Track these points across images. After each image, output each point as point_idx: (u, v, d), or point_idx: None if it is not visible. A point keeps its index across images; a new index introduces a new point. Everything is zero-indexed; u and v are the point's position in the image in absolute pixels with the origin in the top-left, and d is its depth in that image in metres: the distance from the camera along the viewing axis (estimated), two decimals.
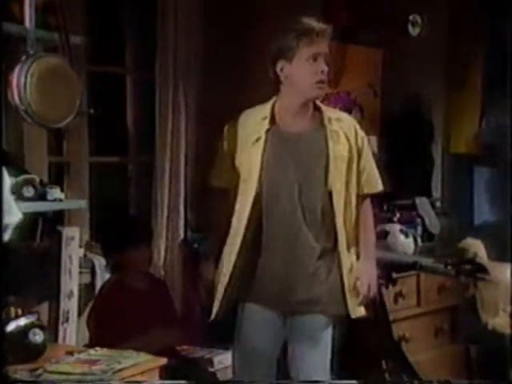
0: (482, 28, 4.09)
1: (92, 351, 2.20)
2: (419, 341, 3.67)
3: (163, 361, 2.23)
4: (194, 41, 3.43)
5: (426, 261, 3.20)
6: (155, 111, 3.37)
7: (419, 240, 3.76)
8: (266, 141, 2.53)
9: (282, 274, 2.52)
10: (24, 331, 2.10)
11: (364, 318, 3.20)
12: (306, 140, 2.57)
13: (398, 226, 3.56)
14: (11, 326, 2.12)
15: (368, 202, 2.68)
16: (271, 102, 2.63)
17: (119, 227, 2.96)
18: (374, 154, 3.81)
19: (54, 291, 2.48)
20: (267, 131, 2.56)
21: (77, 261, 2.61)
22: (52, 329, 2.54)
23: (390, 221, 3.65)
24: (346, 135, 2.58)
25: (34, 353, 2.11)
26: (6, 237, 1.92)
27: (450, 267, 3.05)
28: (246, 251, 2.53)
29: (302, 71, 2.51)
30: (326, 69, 2.52)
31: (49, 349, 2.21)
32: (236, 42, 3.58)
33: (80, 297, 2.70)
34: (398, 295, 3.56)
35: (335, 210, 2.53)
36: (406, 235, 3.53)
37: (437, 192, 4.15)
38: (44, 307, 2.54)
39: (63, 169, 3.19)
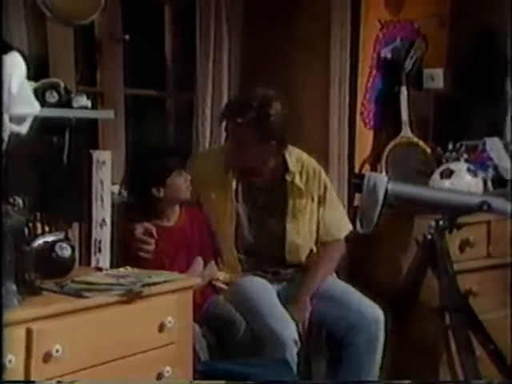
0: None
1: (122, 269, 2.30)
2: (488, 297, 3.60)
3: (197, 280, 2.31)
4: None
5: (496, 201, 3.14)
6: (196, 41, 3.40)
7: (489, 183, 3.72)
8: (236, 186, 2.98)
9: None
10: (51, 245, 2.21)
11: (424, 264, 3.27)
12: (268, 192, 3.00)
13: (465, 165, 3.53)
14: (38, 242, 2.23)
15: (330, 247, 3.10)
16: None
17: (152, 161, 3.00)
18: (438, 89, 3.88)
19: (84, 214, 2.57)
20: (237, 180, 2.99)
21: (109, 187, 2.67)
22: (84, 258, 2.63)
23: (456, 160, 3.63)
24: (308, 188, 3.00)
25: (63, 267, 2.21)
26: (24, 129, 2.01)
27: None
28: None
29: None
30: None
31: (78, 269, 2.32)
32: None
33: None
34: (465, 243, 3.50)
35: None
36: (475, 174, 3.49)
37: (511, 134, 4.10)
38: (75, 236, 2.63)
39: (96, 100, 3.29)
